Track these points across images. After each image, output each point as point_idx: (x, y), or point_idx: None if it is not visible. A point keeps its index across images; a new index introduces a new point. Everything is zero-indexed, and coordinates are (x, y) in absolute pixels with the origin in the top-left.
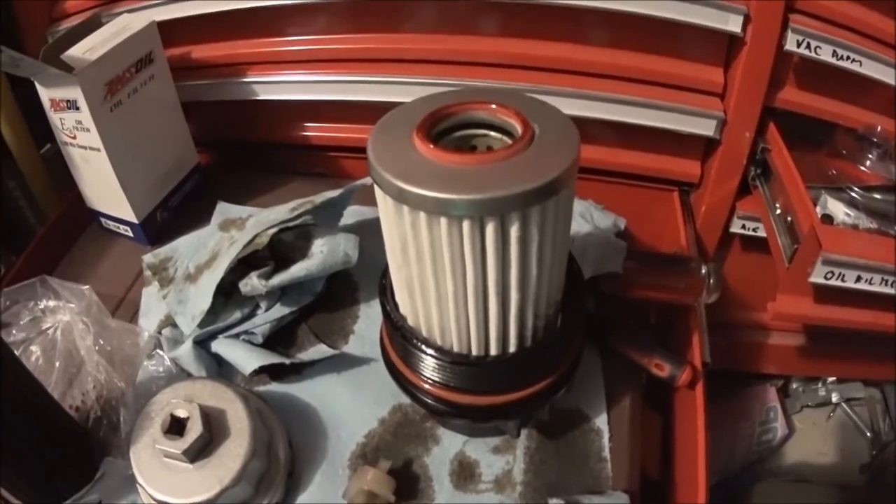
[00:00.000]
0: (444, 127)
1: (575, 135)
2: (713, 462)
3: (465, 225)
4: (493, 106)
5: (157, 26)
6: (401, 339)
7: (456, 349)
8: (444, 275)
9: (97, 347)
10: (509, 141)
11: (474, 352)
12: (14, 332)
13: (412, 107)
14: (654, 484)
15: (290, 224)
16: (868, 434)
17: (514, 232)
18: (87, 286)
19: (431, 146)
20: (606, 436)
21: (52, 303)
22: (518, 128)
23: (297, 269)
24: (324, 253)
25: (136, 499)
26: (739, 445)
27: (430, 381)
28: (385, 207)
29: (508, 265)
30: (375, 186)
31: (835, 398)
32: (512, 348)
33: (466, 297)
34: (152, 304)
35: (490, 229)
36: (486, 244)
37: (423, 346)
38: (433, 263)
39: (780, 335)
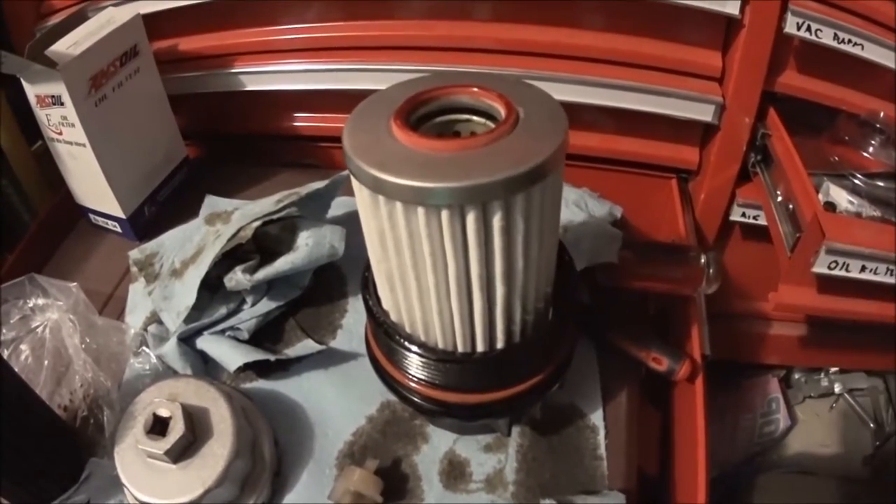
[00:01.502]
0: (425, 112)
1: (562, 118)
2: (714, 456)
3: (444, 215)
4: (475, 89)
5: (142, 19)
6: (384, 335)
7: (441, 345)
8: (424, 268)
9: (84, 345)
10: (494, 126)
11: (460, 348)
12: (4, 331)
13: (390, 93)
14: (652, 482)
15: (275, 216)
16: (871, 425)
17: (496, 222)
18: (74, 283)
19: (409, 132)
20: (602, 433)
21: (41, 301)
22: (502, 111)
23: (282, 263)
24: (309, 245)
25: (123, 499)
26: (741, 437)
27: (415, 378)
28: (361, 198)
29: (492, 257)
30: (351, 176)
31: (837, 388)
32: (500, 344)
33: (449, 291)
34: (138, 301)
35: (471, 219)
36: (467, 235)
37: (407, 343)
38: (412, 256)
39: (781, 325)
